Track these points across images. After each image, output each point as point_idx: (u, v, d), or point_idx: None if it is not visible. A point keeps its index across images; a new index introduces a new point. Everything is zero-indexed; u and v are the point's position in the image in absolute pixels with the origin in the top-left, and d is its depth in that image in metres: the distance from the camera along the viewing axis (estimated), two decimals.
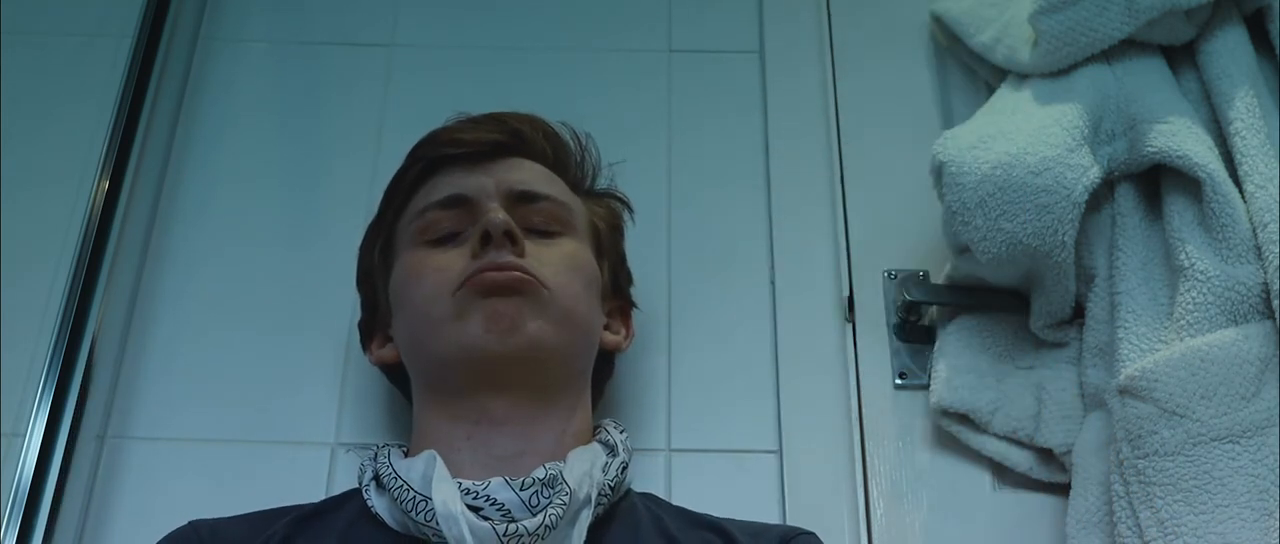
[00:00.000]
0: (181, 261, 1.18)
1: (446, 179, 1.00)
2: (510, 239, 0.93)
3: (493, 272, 0.92)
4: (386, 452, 0.92)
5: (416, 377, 0.97)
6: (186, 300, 1.16)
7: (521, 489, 0.84)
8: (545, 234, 0.98)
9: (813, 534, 0.94)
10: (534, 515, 0.83)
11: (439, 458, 0.87)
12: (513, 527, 0.82)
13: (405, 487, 0.86)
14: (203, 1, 1.32)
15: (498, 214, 0.94)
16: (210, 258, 1.18)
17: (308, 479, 1.05)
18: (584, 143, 1.08)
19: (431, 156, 1.02)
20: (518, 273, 0.92)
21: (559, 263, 0.96)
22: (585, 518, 0.86)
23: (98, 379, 1.06)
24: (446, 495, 0.83)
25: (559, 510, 0.84)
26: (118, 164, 1.14)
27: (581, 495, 0.86)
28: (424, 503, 0.84)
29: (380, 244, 1.03)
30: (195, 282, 1.17)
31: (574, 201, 1.03)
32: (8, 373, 1.09)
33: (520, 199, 0.99)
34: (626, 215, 1.10)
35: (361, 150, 1.23)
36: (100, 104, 1.21)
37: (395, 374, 1.03)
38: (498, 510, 0.84)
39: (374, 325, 1.03)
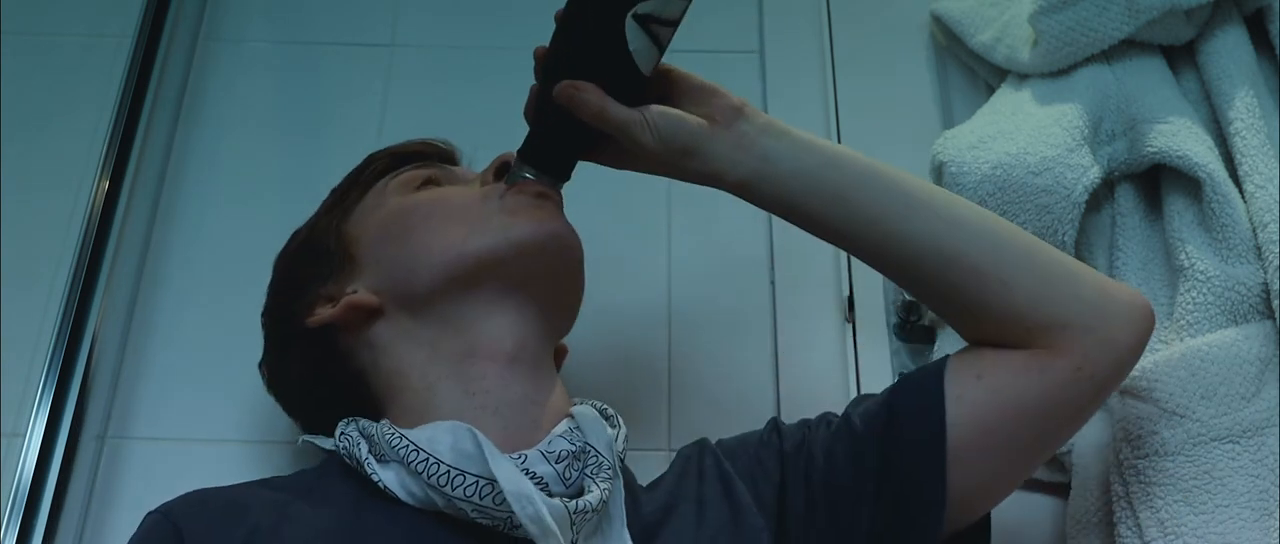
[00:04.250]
0: (181, 261, 1.18)
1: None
2: None
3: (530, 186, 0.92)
4: (379, 424, 0.86)
5: (427, 301, 0.90)
6: (186, 300, 1.16)
7: (557, 461, 0.82)
8: None
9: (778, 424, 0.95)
10: (567, 488, 0.82)
11: (475, 430, 0.81)
12: (577, 502, 0.80)
13: (432, 460, 0.80)
14: (203, 1, 1.33)
15: (513, 153, 0.94)
16: (210, 258, 1.18)
17: None
18: None
19: (395, 153, 1.02)
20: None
21: None
22: (619, 489, 0.84)
23: (98, 379, 1.07)
24: (510, 472, 0.79)
25: (608, 483, 0.82)
26: (118, 164, 1.15)
27: (614, 465, 0.84)
28: (460, 478, 0.79)
29: (337, 221, 0.97)
30: (195, 281, 1.17)
31: None
32: (8, 373, 1.09)
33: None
34: None
35: (361, 150, 1.22)
36: (100, 104, 1.21)
37: (321, 349, 0.93)
38: (535, 483, 0.80)
39: (320, 291, 0.94)
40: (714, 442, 0.94)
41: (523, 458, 0.81)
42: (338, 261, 0.95)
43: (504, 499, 0.78)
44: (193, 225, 1.20)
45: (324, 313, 0.92)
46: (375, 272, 0.93)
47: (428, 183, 0.97)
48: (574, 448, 0.83)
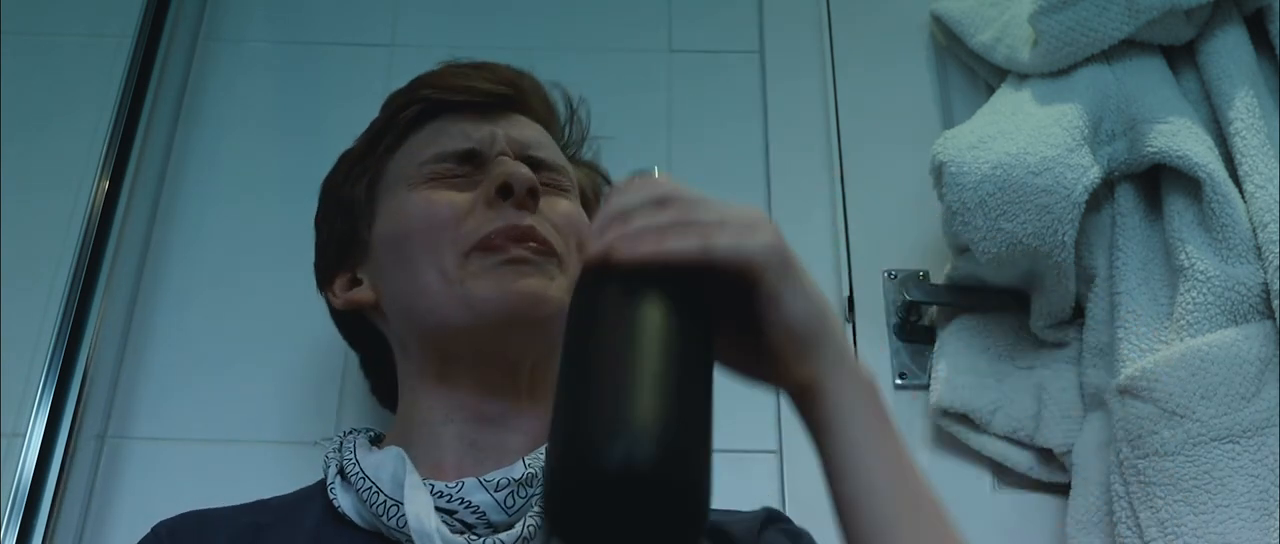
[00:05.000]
0: (181, 262, 1.18)
1: (450, 126, 0.96)
2: (532, 197, 0.90)
3: (511, 240, 0.88)
4: (352, 441, 0.88)
5: (407, 333, 0.92)
6: (186, 301, 1.16)
7: (496, 490, 0.81)
8: (548, 189, 0.94)
9: (786, 517, 0.92)
10: (510, 516, 0.81)
11: (408, 459, 0.83)
12: (491, 539, 0.79)
13: (374, 489, 0.82)
14: (203, 1, 1.33)
15: (521, 168, 0.91)
16: (210, 258, 1.18)
17: (307, 479, 1.05)
18: (575, 107, 1.06)
19: (433, 99, 0.98)
20: (535, 243, 0.88)
21: (565, 220, 0.92)
22: None
23: (98, 379, 1.07)
24: (420, 507, 0.80)
25: (539, 518, 0.80)
26: (118, 164, 1.15)
27: None
28: (396, 508, 0.81)
29: (367, 179, 0.98)
30: (195, 282, 1.17)
31: (568, 165, 1.00)
32: (8, 373, 1.09)
33: (528, 164, 0.94)
34: (605, 190, 1.07)
35: None
36: (100, 104, 1.22)
37: (355, 322, 0.97)
38: (472, 512, 0.81)
39: (340, 263, 0.96)
40: (785, 524, 0.91)
41: (460, 486, 0.82)
42: (359, 231, 0.96)
43: None
44: (193, 225, 1.20)
45: (336, 298, 0.97)
46: (377, 273, 0.94)
47: (444, 178, 0.93)
48: (520, 476, 0.82)
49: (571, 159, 1.04)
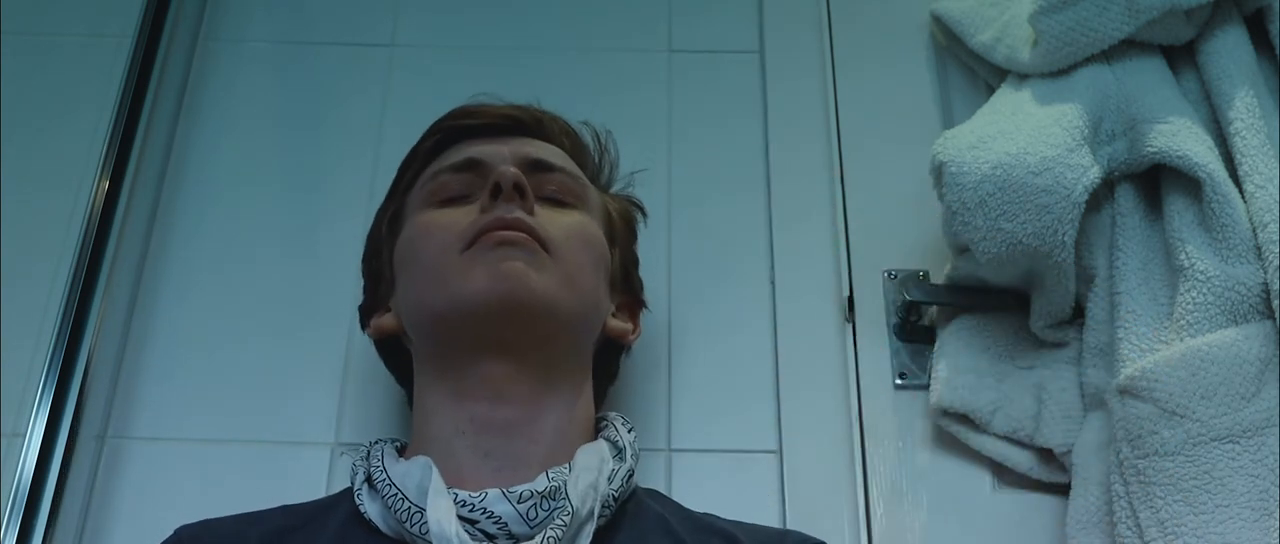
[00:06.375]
0: (181, 262, 1.18)
1: (462, 148, 0.99)
2: (520, 192, 0.91)
3: (501, 228, 0.90)
4: (380, 450, 0.89)
5: (419, 345, 0.95)
6: (186, 300, 1.16)
7: (519, 502, 0.82)
8: (557, 203, 0.97)
9: None
10: (531, 529, 0.81)
11: (435, 467, 0.84)
12: None
13: (400, 495, 0.83)
14: (203, 1, 1.33)
15: (509, 168, 0.92)
16: (210, 258, 1.18)
17: (308, 480, 1.05)
18: (604, 142, 1.08)
19: (448, 127, 1.02)
20: (525, 231, 0.90)
21: (569, 229, 0.94)
22: (587, 534, 0.83)
23: (98, 379, 1.06)
24: (441, 513, 0.80)
25: (558, 532, 0.81)
26: (118, 164, 1.15)
27: (584, 512, 0.83)
28: (419, 515, 0.82)
29: (390, 215, 1.02)
30: (195, 281, 1.17)
31: (585, 180, 1.02)
32: (8, 373, 1.09)
33: (534, 167, 0.97)
34: (640, 220, 1.09)
35: (361, 150, 1.24)
36: (100, 104, 1.22)
37: (391, 351, 1.00)
38: (494, 523, 0.82)
39: (376, 302, 1.00)
40: None
41: (483, 496, 0.82)
42: (383, 268, 0.99)
43: None
44: (193, 225, 1.20)
45: (370, 326, 1.00)
46: (399, 296, 0.97)
47: (447, 198, 0.96)
48: (543, 488, 0.83)
49: (603, 189, 1.06)
